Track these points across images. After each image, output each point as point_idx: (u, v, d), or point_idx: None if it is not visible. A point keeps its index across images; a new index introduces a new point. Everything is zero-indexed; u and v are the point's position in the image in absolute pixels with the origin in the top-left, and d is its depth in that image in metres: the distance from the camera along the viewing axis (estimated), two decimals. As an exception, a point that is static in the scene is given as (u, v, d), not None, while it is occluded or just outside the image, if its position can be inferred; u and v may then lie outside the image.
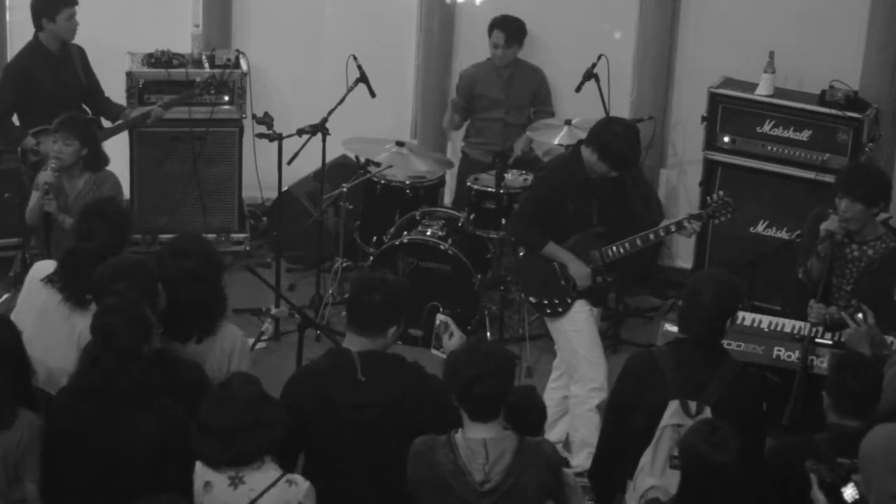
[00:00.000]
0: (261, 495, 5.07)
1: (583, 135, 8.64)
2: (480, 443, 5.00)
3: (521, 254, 7.44)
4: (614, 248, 7.26)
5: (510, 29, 9.28)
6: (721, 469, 4.97)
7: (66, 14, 8.65)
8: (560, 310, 7.30)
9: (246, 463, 5.10)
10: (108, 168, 8.80)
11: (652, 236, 7.27)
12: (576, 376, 7.32)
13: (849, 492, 4.93)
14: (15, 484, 5.55)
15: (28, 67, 8.70)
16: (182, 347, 5.83)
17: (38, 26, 8.70)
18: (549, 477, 5.07)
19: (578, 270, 7.24)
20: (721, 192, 7.52)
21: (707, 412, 5.61)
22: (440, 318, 5.71)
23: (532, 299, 7.38)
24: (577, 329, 7.32)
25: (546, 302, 7.32)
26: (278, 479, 5.11)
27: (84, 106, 8.88)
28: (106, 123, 9.05)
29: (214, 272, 5.96)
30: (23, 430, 5.47)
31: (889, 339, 6.81)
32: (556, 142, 8.77)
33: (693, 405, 5.63)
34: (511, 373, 5.11)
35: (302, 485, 5.13)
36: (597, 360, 7.34)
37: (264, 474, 5.12)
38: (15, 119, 8.80)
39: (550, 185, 7.18)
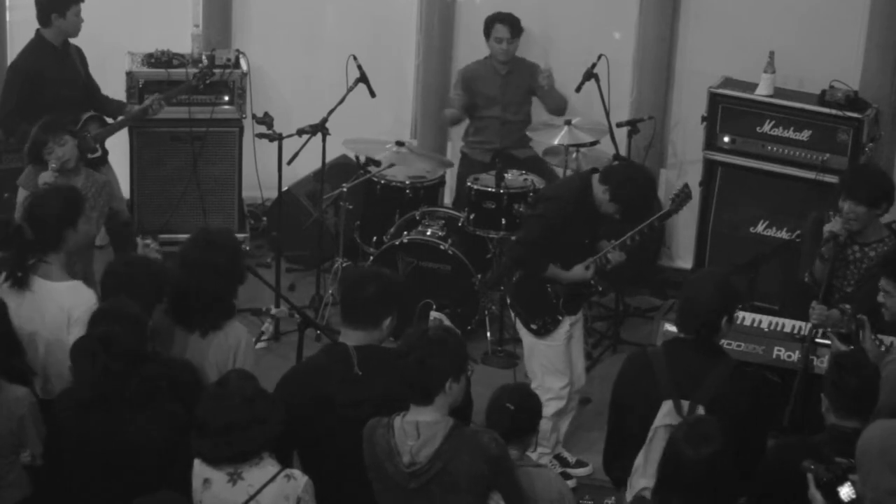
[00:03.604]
0: (259, 491, 5.08)
1: (582, 136, 8.73)
2: (414, 425, 5.03)
3: (516, 278, 7.42)
4: (597, 259, 7.28)
5: (513, 22, 9.30)
6: (692, 465, 4.97)
7: (75, 10, 8.69)
8: (552, 328, 7.33)
9: (244, 460, 5.11)
10: (109, 168, 8.88)
11: (628, 241, 7.29)
12: (535, 383, 7.35)
13: (845, 491, 4.94)
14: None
15: (34, 64, 8.70)
16: (185, 337, 5.84)
17: (46, 21, 8.69)
18: (485, 467, 5.02)
19: (576, 276, 7.26)
20: (683, 186, 7.55)
21: (700, 412, 5.62)
22: (434, 315, 5.73)
23: (532, 326, 7.36)
24: (553, 343, 7.36)
25: (540, 323, 7.34)
26: (277, 475, 5.12)
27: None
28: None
29: (238, 273, 5.99)
30: (9, 406, 5.51)
31: (889, 339, 6.82)
32: (556, 142, 8.77)
33: (686, 405, 5.64)
34: (450, 358, 5.08)
35: (300, 479, 5.14)
36: (563, 371, 7.40)
37: (263, 470, 5.13)
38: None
39: (558, 215, 7.12)
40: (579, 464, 7.62)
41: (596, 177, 7.14)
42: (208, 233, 6.09)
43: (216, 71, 9.33)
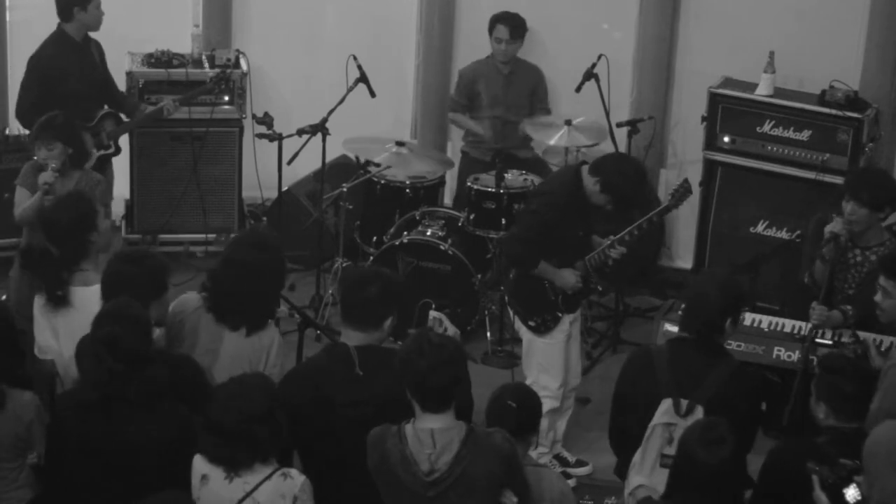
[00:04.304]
0: (256, 488, 5.08)
1: (581, 137, 8.73)
2: (428, 433, 5.00)
3: (513, 275, 7.41)
4: (595, 255, 7.27)
5: (514, 23, 9.30)
6: (705, 468, 4.98)
7: (96, 3, 8.73)
8: (551, 325, 7.32)
9: (238, 466, 5.10)
10: (109, 167, 8.89)
11: (627, 237, 7.27)
12: (529, 380, 7.35)
13: (851, 493, 4.93)
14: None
15: (54, 58, 8.72)
16: (221, 333, 5.87)
17: (68, 16, 8.70)
18: (501, 467, 5.03)
19: (565, 280, 7.24)
20: (683, 181, 7.52)
21: (699, 411, 5.62)
22: (433, 314, 5.74)
23: (531, 323, 7.35)
24: (552, 342, 7.36)
25: (539, 321, 7.32)
26: (273, 473, 5.12)
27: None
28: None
29: (280, 271, 6.02)
30: (17, 411, 5.52)
31: (889, 339, 6.82)
32: (552, 142, 8.79)
33: (684, 404, 5.64)
34: (462, 363, 5.11)
35: (297, 478, 5.14)
36: (559, 370, 7.39)
37: (259, 468, 5.12)
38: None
39: (552, 212, 7.11)
40: (579, 463, 7.63)
41: (586, 168, 7.13)
42: (254, 234, 6.13)
43: (225, 70, 9.34)
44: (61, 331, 6.21)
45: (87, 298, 6.17)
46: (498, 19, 9.33)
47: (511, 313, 7.50)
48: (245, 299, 5.86)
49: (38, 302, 6.31)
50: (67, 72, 8.67)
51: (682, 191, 7.40)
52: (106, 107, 8.94)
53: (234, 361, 5.81)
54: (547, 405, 7.27)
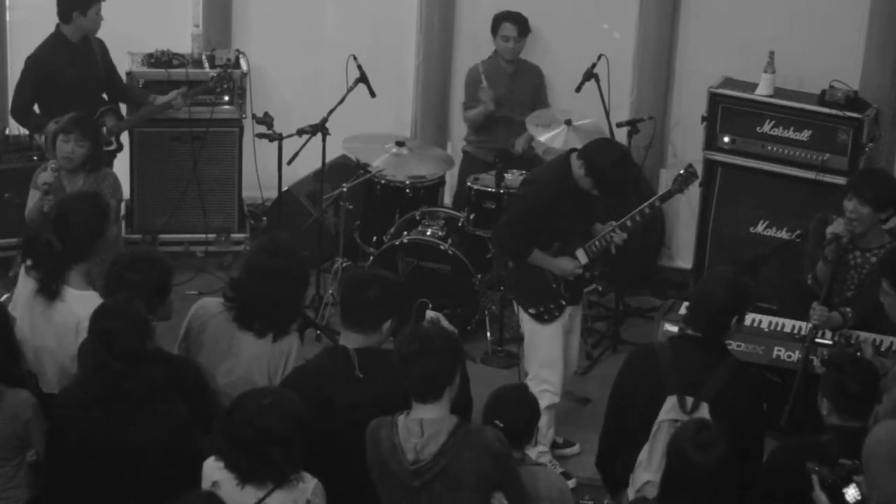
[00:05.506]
0: (269, 494, 5.07)
1: (582, 137, 8.73)
2: (418, 422, 5.03)
3: (511, 265, 7.42)
4: (597, 242, 7.27)
5: (520, 21, 9.31)
6: (701, 470, 4.98)
7: (96, 9, 8.75)
8: (557, 314, 7.32)
9: (254, 480, 5.08)
10: (108, 168, 8.88)
11: (629, 223, 7.26)
12: (531, 373, 7.35)
13: (851, 492, 4.94)
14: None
15: (49, 58, 8.74)
16: (246, 341, 5.86)
17: (67, 18, 8.72)
18: (491, 465, 5.02)
19: (563, 267, 7.24)
20: (687, 166, 7.50)
21: (704, 409, 5.62)
22: (430, 314, 5.75)
23: (531, 310, 7.35)
24: (553, 334, 7.35)
25: (542, 309, 7.32)
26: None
27: (103, 96, 8.97)
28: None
29: (303, 275, 6.02)
30: (14, 410, 5.53)
31: (890, 339, 6.82)
32: (555, 144, 8.79)
33: (689, 401, 5.64)
34: (452, 353, 5.10)
35: (310, 482, 5.13)
36: (558, 365, 7.38)
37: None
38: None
39: (541, 199, 7.13)
40: (567, 444, 7.64)
41: (575, 154, 7.14)
42: (276, 240, 6.13)
43: (233, 72, 9.35)
44: (29, 310, 6.20)
45: (76, 300, 6.13)
46: (504, 18, 9.34)
47: (515, 306, 7.48)
48: (271, 305, 5.85)
49: (26, 281, 6.28)
50: (63, 72, 8.67)
51: (686, 175, 7.39)
52: (109, 104, 8.95)
53: (253, 366, 5.82)
54: (547, 400, 7.27)
